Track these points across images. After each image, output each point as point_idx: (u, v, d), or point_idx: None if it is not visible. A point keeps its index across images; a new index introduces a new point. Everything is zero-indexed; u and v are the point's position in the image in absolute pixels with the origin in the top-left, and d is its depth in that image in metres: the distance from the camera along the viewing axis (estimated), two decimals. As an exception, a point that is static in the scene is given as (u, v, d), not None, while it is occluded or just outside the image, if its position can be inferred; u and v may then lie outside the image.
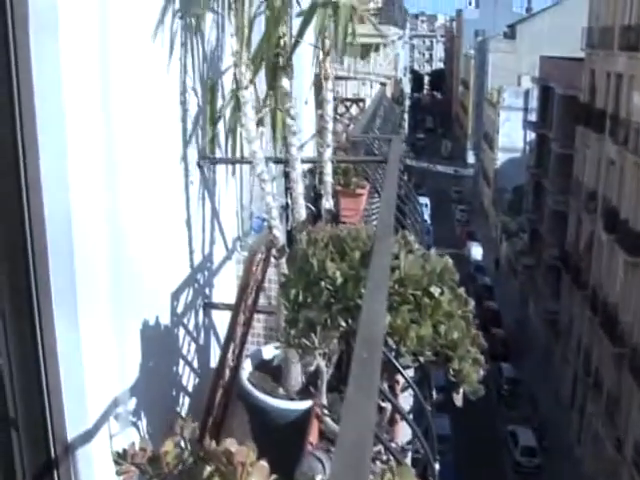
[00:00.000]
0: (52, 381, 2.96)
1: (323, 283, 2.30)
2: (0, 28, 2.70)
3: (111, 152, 3.06)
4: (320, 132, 7.31)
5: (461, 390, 2.30)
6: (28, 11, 2.70)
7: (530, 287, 40.69)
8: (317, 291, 2.30)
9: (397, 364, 2.19)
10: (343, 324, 2.24)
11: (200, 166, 4.03)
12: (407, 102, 43.57)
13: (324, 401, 2.54)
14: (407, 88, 48.04)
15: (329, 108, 3.48)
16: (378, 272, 1.93)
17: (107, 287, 3.11)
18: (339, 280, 2.25)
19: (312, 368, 2.37)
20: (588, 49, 34.90)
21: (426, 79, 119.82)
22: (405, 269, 2.22)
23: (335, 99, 10.49)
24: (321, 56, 3.48)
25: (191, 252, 4.09)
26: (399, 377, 2.53)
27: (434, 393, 2.81)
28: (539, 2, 72.30)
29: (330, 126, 3.49)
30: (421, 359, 2.30)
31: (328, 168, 3.50)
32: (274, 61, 3.56)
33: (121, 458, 1.64)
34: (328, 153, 3.50)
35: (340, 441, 1.22)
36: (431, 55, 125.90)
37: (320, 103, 8.42)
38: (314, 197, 4.54)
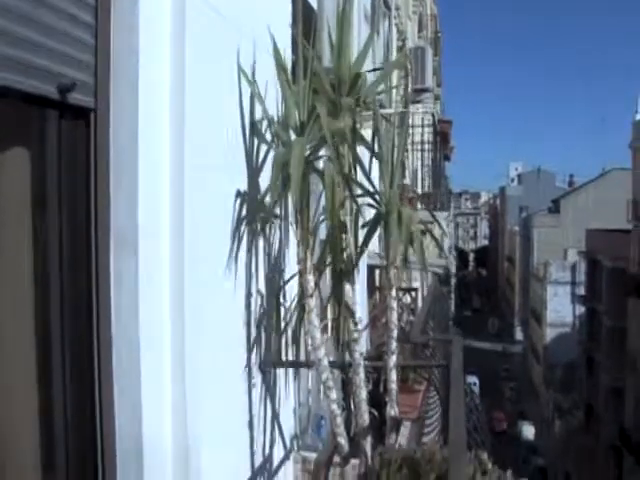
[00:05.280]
0: None
1: (398, 509, 2.26)
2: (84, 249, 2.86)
3: (180, 359, 3.12)
4: (378, 320, 7.37)
5: None
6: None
7: (589, 468, 38.85)
8: (392, 518, 2.25)
9: None
10: None
11: (263, 370, 4.07)
12: (453, 280, 43.83)
13: None
14: (452, 267, 48.45)
15: (394, 316, 3.54)
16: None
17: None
18: (416, 509, 2.20)
19: None
20: (635, 221, 35.13)
21: (471, 256, 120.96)
22: (483, 498, 2.17)
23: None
24: (385, 264, 3.58)
25: (252, 454, 4.05)
26: None
27: None
28: (582, 176, 73.73)
29: (395, 334, 3.54)
30: None
31: (393, 375, 3.51)
32: (338, 268, 3.68)
33: None
34: (393, 360, 3.52)
35: None
36: (475, 232, 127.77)
37: (372, 291, 8.48)
38: (373, 398, 4.51)
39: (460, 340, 4.04)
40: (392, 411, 3.52)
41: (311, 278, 3.42)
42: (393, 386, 3.53)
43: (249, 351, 3.92)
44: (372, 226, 3.57)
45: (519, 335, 73.45)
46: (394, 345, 3.53)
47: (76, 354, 2.88)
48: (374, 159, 3.80)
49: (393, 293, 3.56)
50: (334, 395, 3.36)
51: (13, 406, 2.72)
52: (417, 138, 14.95)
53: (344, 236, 3.58)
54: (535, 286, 61.70)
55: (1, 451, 2.67)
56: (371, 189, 3.65)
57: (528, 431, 50.82)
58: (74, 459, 2.86)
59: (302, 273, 3.47)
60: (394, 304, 3.55)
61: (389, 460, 2.39)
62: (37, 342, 2.78)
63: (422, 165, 16.14)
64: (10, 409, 2.70)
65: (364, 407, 3.54)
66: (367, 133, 3.95)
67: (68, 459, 2.85)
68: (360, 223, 3.67)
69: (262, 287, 4.04)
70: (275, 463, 4.54)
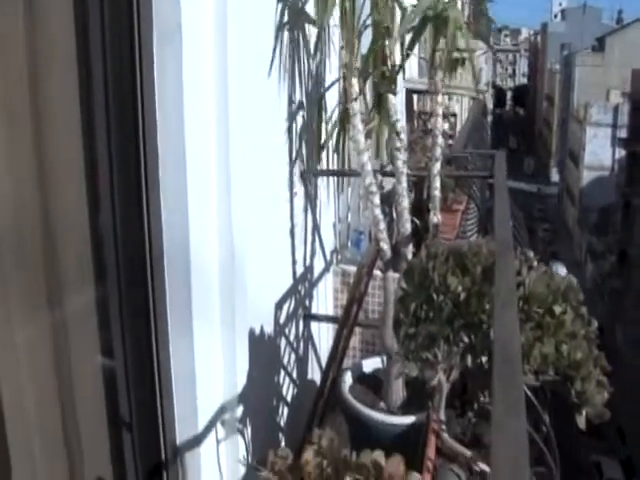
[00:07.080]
0: (165, 386, 3.04)
1: (444, 297, 2.29)
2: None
3: (225, 165, 3.12)
4: (415, 145, 7.30)
5: (584, 412, 2.24)
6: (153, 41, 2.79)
7: (619, 312, 39.39)
8: (438, 306, 2.28)
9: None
10: (466, 340, 2.22)
11: (304, 178, 4.07)
12: (489, 118, 43.02)
13: (442, 417, 2.52)
14: (490, 104, 47.44)
15: (439, 122, 3.47)
16: (505, 289, 1.90)
17: (218, 296, 3.17)
18: (462, 295, 2.23)
19: (434, 383, 2.35)
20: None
21: (509, 94, 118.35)
22: (530, 286, 2.19)
23: (427, 114, 10.45)
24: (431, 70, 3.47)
25: (294, 262, 4.13)
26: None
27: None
28: (631, 12, 70.46)
29: (440, 140, 3.48)
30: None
31: (437, 182, 3.48)
32: (381, 74, 3.58)
33: (261, 465, 1.66)
34: (437, 167, 3.48)
35: (495, 464, 1.21)
36: (514, 70, 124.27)
37: (410, 116, 8.37)
38: (415, 209, 4.52)
39: (502, 154, 3.98)
40: (435, 218, 3.51)
41: (355, 82, 3.34)
42: (436, 193, 3.51)
43: (291, 159, 3.91)
44: (417, 30, 3.42)
45: (555, 177, 72.94)
46: (439, 152, 3.48)
47: (122, 157, 2.86)
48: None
49: (439, 99, 3.47)
50: (377, 200, 3.34)
51: (61, 206, 2.75)
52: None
53: (388, 42, 3.45)
54: (574, 127, 60.49)
55: (53, 259, 2.72)
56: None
57: (560, 272, 51.22)
58: (124, 267, 2.90)
59: (346, 77, 3.38)
60: (439, 110, 3.47)
61: (435, 253, 2.40)
62: (84, 147, 2.76)
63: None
64: (58, 209, 2.73)
65: (406, 216, 3.53)
66: None
67: (118, 266, 2.89)
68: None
69: (304, 95, 3.98)
70: (315, 274, 4.64)
